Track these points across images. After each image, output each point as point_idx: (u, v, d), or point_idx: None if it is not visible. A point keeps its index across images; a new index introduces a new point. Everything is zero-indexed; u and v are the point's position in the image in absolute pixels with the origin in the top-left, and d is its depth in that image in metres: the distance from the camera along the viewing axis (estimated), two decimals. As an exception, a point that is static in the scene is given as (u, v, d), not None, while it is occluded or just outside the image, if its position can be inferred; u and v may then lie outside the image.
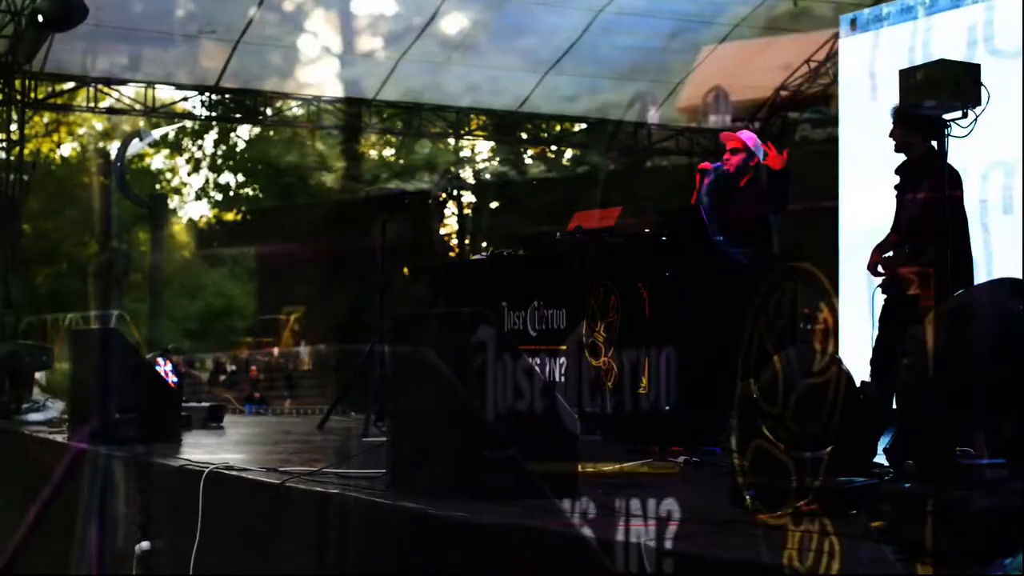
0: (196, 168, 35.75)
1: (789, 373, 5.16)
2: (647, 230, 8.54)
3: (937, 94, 6.97)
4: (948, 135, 7.08)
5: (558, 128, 20.03)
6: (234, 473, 6.98)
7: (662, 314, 8.06)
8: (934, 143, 7.80)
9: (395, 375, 6.31)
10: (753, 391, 5.23)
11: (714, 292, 8.08)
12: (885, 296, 8.08)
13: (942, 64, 7.20)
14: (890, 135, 8.09)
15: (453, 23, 15.66)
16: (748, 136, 8.98)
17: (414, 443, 5.94)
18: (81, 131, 35.93)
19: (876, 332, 8.03)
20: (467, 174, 33.24)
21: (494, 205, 33.09)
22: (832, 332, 6.54)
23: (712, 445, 7.52)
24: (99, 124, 34.57)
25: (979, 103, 7.02)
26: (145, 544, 7.47)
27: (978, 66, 7.13)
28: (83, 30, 13.61)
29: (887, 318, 8.02)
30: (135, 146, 13.74)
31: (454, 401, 5.65)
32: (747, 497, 4.94)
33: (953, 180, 7.83)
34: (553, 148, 31.00)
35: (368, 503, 5.82)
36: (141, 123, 18.40)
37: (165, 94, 16.73)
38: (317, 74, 16.33)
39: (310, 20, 15.67)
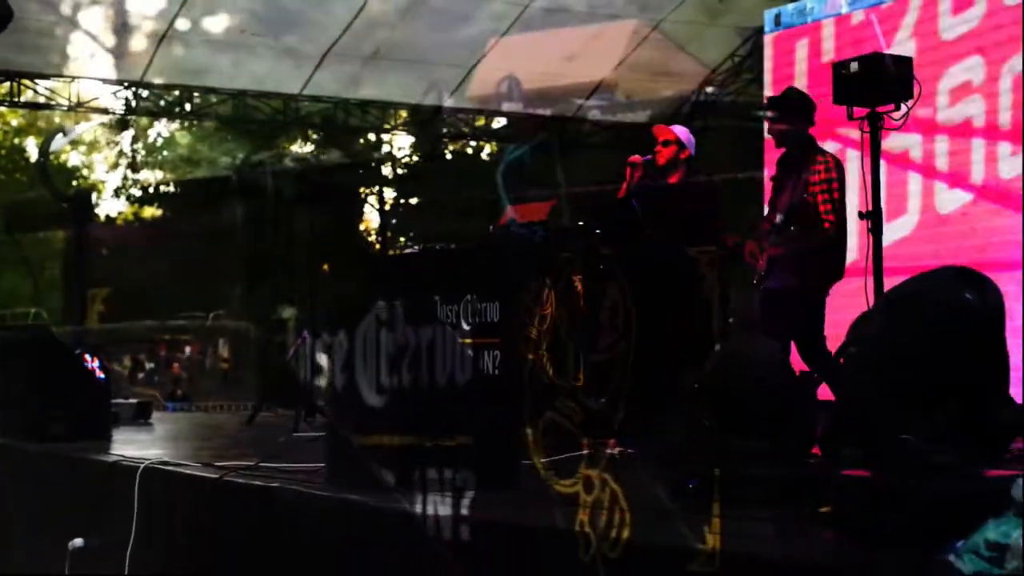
0: (114, 166, 35.41)
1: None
2: (580, 223, 8.57)
3: (870, 87, 7.08)
4: (880, 128, 7.18)
5: (481, 121, 19.97)
6: (170, 468, 6.97)
7: (596, 307, 8.09)
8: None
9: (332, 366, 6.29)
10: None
11: (647, 285, 8.11)
12: (761, 291, 8.18)
13: (875, 58, 7.29)
14: (769, 130, 8.22)
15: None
16: (680, 130, 8.99)
17: (347, 436, 5.94)
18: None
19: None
20: (388, 170, 33.19)
21: (413, 200, 33.10)
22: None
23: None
24: (13, 120, 34.19)
25: (911, 96, 7.13)
26: (78, 541, 7.41)
27: (910, 59, 7.26)
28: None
29: (765, 315, 8.12)
30: (59, 141, 13.62)
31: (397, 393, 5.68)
32: (689, 486, 4.99)
33: (839, 168, 7.97)
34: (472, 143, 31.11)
35: (309, 496, 5.83)
36: (57, 119, 18.17)
37: (88, 89, 16.49)
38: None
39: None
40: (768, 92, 13.52)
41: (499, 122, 20.96)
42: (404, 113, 19.62)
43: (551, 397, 5.09)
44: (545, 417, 4.85)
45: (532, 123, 17.40)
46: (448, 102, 17.73)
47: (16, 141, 34.74)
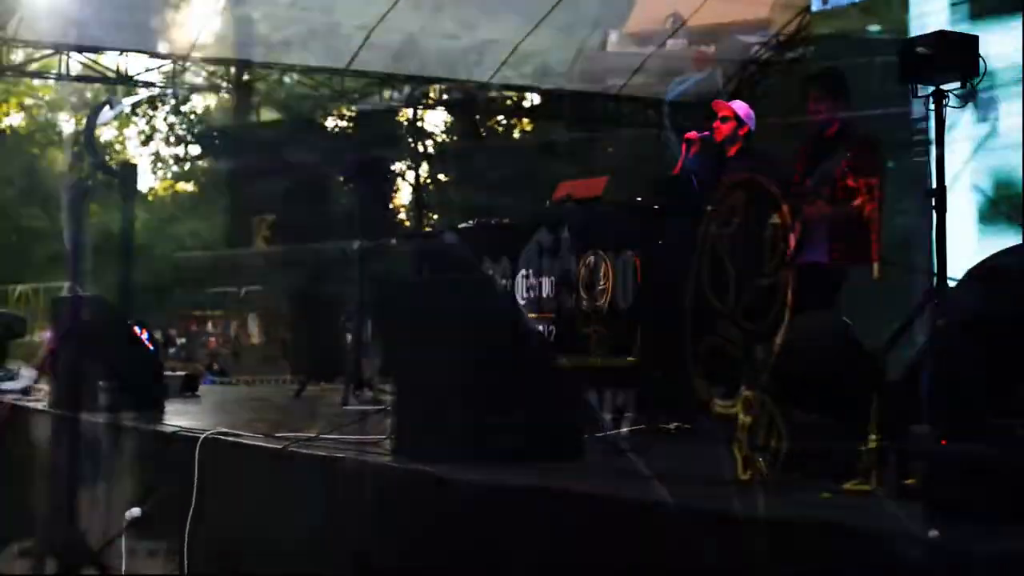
0: (147, 140, 35.50)
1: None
2: (639, 199, 8.58)
3: (937, 65, 7.06)
4: (946, 106, 7.15)
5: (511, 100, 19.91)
6: (231, 439, 6.99)
7: (653, 282, 8.11)
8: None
9: (401, 340, 6.30)
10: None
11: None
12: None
13: (941, 35, 7.27)
14: (814, 109, 8.16)
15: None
16: (740, 105, 8.94)
17: (420, 407, 5.95)
18: (29, 102, 35.65)
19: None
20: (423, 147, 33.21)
21: (442, 178, 33.08)
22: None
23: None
24: (47, 96, 34.35)
25: (977, 74, 7.11)
26: (135, 511, 7.43)
27: (976, 38, 7.21)
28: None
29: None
30: (106, 114, 13.58)
31: (463, 365, 5.70)
32: (759, 460, 5.00)
33: (876, 148, 7.94)
34: (504, 121, 31.11)
35: (378, 467, 5.85)
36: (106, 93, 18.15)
37: (136, 64, 16.53)
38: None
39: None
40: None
41: (533, 100, 20.83)
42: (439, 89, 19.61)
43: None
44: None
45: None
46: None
47: (49, 116, 34.90)
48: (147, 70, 16.53)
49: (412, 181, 33.25)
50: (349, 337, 13.27)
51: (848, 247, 7.71)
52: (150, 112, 34.62)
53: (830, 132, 8.06)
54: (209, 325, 32.77)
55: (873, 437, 4.54)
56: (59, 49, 15.64)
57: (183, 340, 32.00)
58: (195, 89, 18.53)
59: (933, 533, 3.52)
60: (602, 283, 8.39)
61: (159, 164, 35.67)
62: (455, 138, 32.29)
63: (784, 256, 6.78)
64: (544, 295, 8.87)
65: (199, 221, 33.73)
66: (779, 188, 7.21)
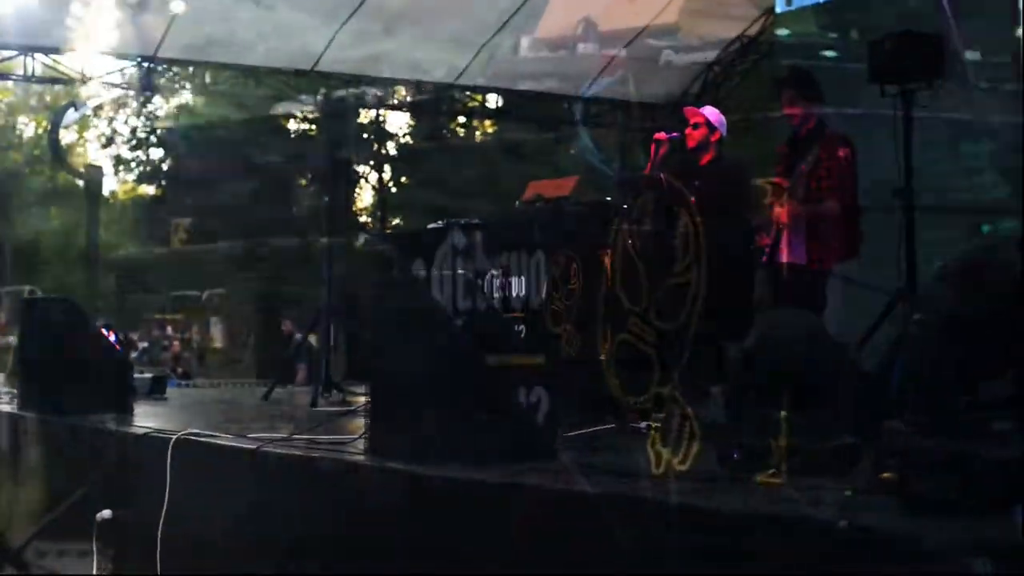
0: (108, 143, 35.33)
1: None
2: (608, 198, 8.62)
3: (905, 64, 7.13)
4: (914, 105, 7.23)
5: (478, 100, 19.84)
6: (204, 440, 6.98)
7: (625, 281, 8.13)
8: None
9: (377, 338, 6.32)
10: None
11: (675, 261, 8.15)
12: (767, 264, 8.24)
13: (908, 35, 7.34)
14: (789, 110, 8.24)
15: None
16: (711, 112, 8.98)
17: (395, 406, 5.96)
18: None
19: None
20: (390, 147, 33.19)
21: (405, 180, 33.05)
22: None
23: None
24: (7, 98, 34.17)
25: (943, 75, 7.19)
26: (106, 513, 7.41)
27: (943, 38, 7.29)
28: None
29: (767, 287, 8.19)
30: (71, 116, 13.60)
31: (441, 363, 5.72)
32: (734, 456, 5.06)
33: (847, 150, 8.02)
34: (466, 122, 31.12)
35: (353, 465, 5.87)
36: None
37: (103, 64, 16.43)
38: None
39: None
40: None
41: (495, 102, 20.81)
42: (403, 91, 19.60)
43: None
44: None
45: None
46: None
47: (8, 120, 34.70)
48: (108, 72, 16.44)
49: (375, 183, 33.24)
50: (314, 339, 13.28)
51: (826, 246, 7.81)
52: (111, 115, 34.49)
53: (805, 131, 8.13)
54: (169, 329, 32.70)
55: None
56: (23, 51, 15.55)
57: (145, 344, 31.89)
58: (159, 90, 18.41)
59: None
60: (572, 283, 8.42)
61: (121, 167, 35.52)
62: (417, 140, 32.30)
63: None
64: (515, 295, 8.91)
65: (160, 225, 33.60)
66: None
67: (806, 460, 4.77)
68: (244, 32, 15.51)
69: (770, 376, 5.23)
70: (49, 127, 13.24)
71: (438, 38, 16.56)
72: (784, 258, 7.99)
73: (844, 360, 5.35)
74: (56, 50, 15.70)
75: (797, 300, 7.81)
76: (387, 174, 33.23)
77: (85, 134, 34.79)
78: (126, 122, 34.72)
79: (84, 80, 15.99)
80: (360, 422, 6.58)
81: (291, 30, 15.79)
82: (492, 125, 29.65)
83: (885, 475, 4.15)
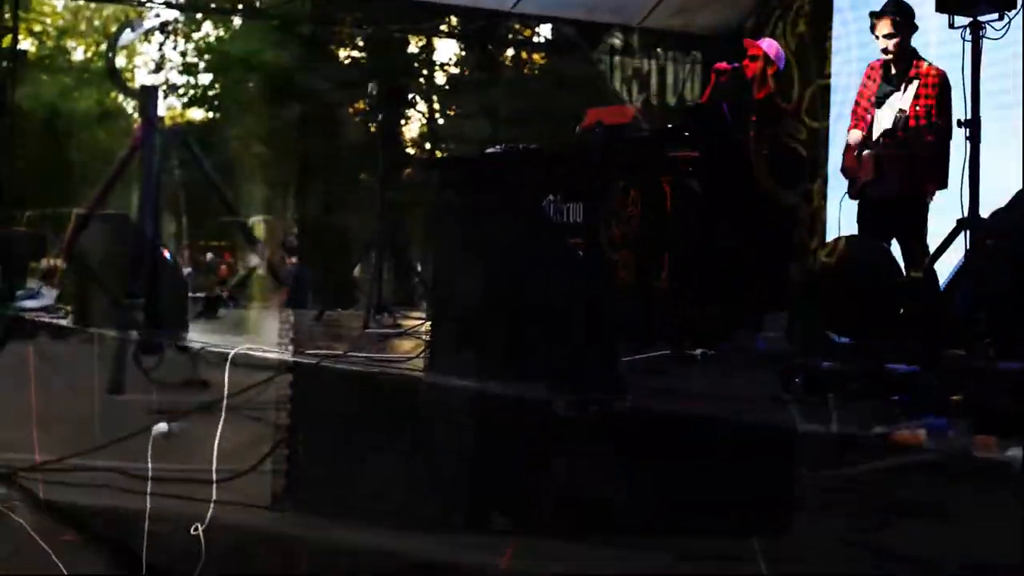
0: (158, 68, 35.31)
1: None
2: (670, 125, 8.61)
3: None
4: (983, 37, 7.17)
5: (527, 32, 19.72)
6: (262, 355, 7.04)
7: (684, 209, 8.15)
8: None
9: (436, 262, 6.33)
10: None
11: (732, 187, 8.18)
12: (868, 197, 8.25)
13: (980, -36, 7.27)
14: (879, 25, 8.25)
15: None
16: (769, 45, 8.98)
17: (453, 330, 5.99)
18: (37, 28, 35.47)
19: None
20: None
21: (454, 110, 32.94)
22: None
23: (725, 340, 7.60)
24: (60, 20, 34.20)
25: (1015, 6, 7.12)
26: (163, 426, 7.46)
27: (1014, -34, 7.22)
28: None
29: (870, 221, 8.20)
30: (127, 36, 13.61)
31: (497, 286, 5.73)
32: (796, 381, 5.08)
33: (944, 81, 8.04)
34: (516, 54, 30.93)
35: (414, 380, 5.92)
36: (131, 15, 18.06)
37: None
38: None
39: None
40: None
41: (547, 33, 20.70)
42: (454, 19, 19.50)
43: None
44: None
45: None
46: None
47: (59, 43, 34.77)
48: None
49: (425, 112, 33.14)
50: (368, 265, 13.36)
51: (918, 179, 7.86)
52: (160, 39, 34.47)
53: (900, 62, 8.16)
54: (210, 256, 32.75)
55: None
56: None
57: (190, 269, 32.00)
58: (214, 12, 18.40)
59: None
60: (631, 209, 8.42)
61: (169, 92, 35.49)
62: (468, 71, 32.14)
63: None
64: (572, 221, 8.91)
65: (209, 151, 33.65)
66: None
67: (868, 384, 4.80)
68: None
69: (833, 301, 5.26)
70: (107, 47, 13.22)
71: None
72: (886, 193, 8.03)
73: (908, 287, 5.35)
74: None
75: (900, 234, 7.88)
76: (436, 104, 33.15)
77: (135, 59, 34.85)
78: (175, 47, 34.71)
79: (143, 1, 16.01)
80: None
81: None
82: (543, 58, 29.48)
83: (955, 397, 4.17)
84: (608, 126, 8.73)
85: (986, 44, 7.26)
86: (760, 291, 7.75)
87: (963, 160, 7.16)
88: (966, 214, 6.94)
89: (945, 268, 6.56)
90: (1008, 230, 4.23)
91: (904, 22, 8.20)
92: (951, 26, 7.27)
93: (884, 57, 8.29)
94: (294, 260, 23.04)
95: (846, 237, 6.83)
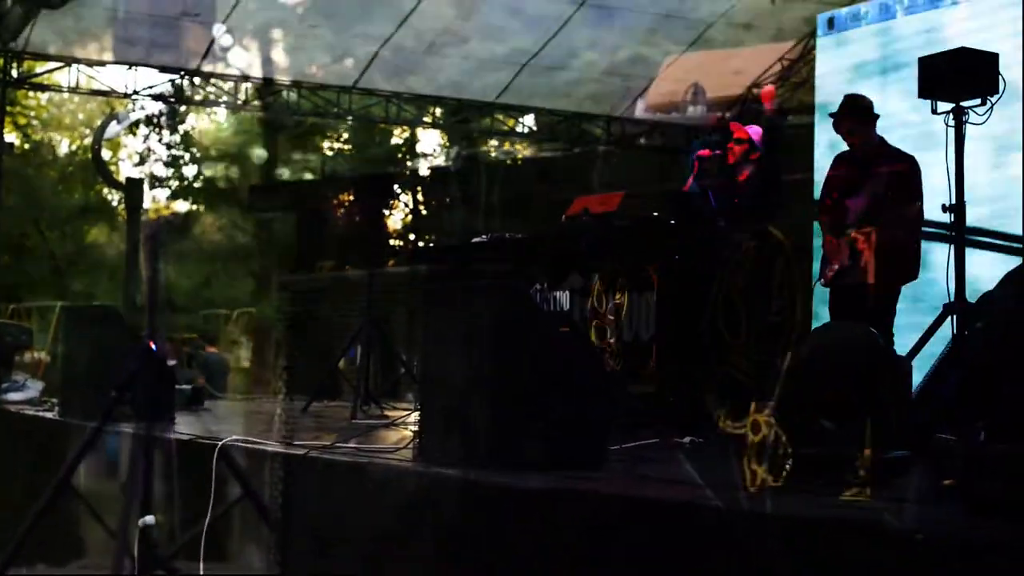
0: (142, 161, 35.32)
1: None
2: (655, 214, 8.64)
3: (957, 81, 7.12)
4: (966, 122, 7.23)
5: (511, 123, 19.78)
6: (250, 446, 7.01)
7: (671, 297, 8.17)
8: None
9: (426, 348, 6.32)
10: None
11: (719, 275, 8.20)
12: (831, 286, 8.30)
13: (962, 52, 7.33)
14: (839, 127, 8.35)
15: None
16: (755, 130, 9.05)
17: (444, 413, 5.97)
18: (23, 122, 35.56)
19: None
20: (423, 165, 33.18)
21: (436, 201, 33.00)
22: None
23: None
24: (44, 113, 34.29)
25: (997, 91, 7.17)
26: (149, 518, 7.40)
27: (997, 55, 7.28)
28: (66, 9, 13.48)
29: (841, 307, 8.24)
30: (113, 128, 13.64)
31: (488, 370, 5.72)
32: (786, 467, 5.07)
33: (914, 167, 8.10)
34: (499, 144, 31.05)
35: (403, 470, 5.89)
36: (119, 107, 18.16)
37: (144, 77, 16.50)
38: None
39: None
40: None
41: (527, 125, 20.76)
42: (439, 110, 19.63)
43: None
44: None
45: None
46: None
47: (43, 135, 34.84)
48: (150, 86, 16.53)
49: (409, 203, 33.22)
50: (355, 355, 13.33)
51: (892, 269, 7.89)
52: (146, 131, 34.50)
53: (865, 153, 8.22)
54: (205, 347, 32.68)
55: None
56: (67, 62, 15.67)
57: (174, 361, 31.89)
58: (201, 104, 18.47)
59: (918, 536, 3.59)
60: (617, 297, 8.44)
61: (155, 184, 35.53)
62: (451, 160, 32.26)
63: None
64: (559, 308, 8.93)
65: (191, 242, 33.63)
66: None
67: (857, 471, 4.80)
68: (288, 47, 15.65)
69: (821, 387, 5.24)
70: (92, 140, 13.33)
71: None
72: (859, 278, 8.05)
73: (897, 372, 5.35)
74: (100, 62, 15.80)
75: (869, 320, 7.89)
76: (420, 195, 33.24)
77: (119, 152, 34.92)
78: (160, 139, 34.77)
79: (130, 94, 16.11)
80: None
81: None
82: (527, 147, 29.61)
83: (947, 481, 4.16)
84: (594, 214, 8.76)
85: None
86: (749, 377, 7.76)
87: (948, 246, 7.20)
88: (951, 299, 6.99)
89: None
90: (998, 311, 4.25)
91: (862, 118, 8.31)
92: (934, 111, 7.33)
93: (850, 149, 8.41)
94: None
95: (832, 323, 6.85)
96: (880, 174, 8.06)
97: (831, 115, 8.43)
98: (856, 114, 8.33)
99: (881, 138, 8.35)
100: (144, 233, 9.25)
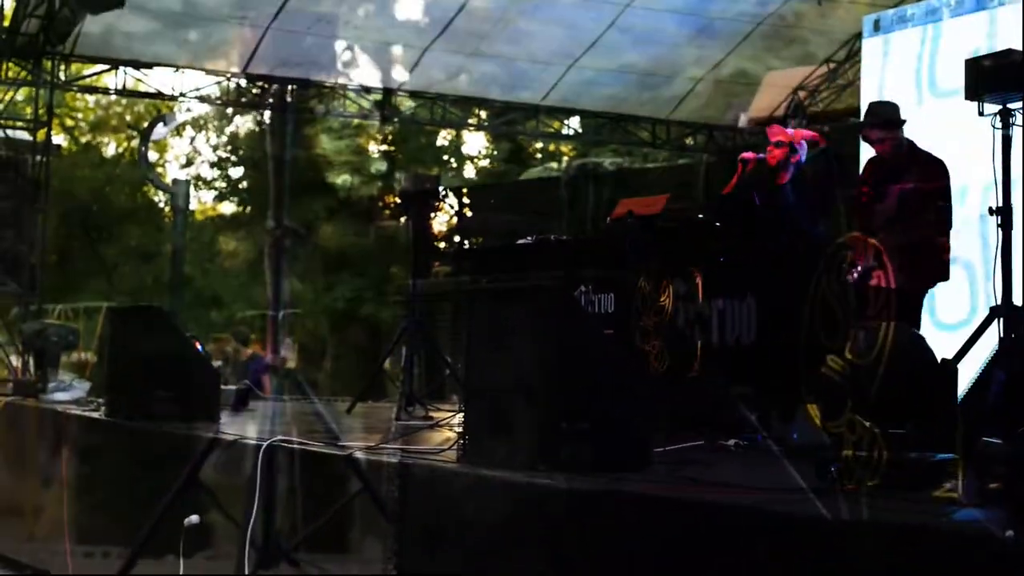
0: (189, 162, 35.49)
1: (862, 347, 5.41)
2: (700, 216, 8.64)
3: (1005, 82, 7.06)
4: (1013, 124, 7.17)
5: (556, 125, 19.77)
6: (295, 446, 7.03)
7: (715, 299, 8.16)
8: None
9: (471, 349, 6.33)
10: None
11: (764, 277, 8.17)
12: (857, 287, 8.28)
13: (1010, 53, 7.27)
14: (867, 136, 8.37)
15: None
16: (795, 132, 9.03)
17: (489, 415, 5.98)
18: (70, 124, 35.78)
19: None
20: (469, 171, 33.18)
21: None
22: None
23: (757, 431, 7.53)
24: (90, 117, 34.51)
25: (1046, 91, 7.11)
26: (194, 518, 7.45)
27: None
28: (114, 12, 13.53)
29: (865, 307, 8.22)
30: (160, 131, 13.73)
31: (532, 373, 5.72)
32: (832, 470, 5.06)
33: (942, 170, 8.09)
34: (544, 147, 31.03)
35: (449, 472, 5.90)
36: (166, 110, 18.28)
37: (191, 80, 16.60)
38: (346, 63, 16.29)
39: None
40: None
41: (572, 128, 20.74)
42: (484, 112, 19.65)
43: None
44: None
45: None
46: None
47: (91, 137, 35.06)
48: (197, 88, 16.63)
49: (454, 205, 33.21)
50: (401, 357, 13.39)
51: (920, 270, 7.87)
52: (192, 133, 34.66)
53: (895, 157, 8.22)
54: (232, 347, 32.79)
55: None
56: (115, 65, 15.78)
57: (219, 363, 32.04)
58: (245, 107, 18.60)
59: (1009, 534, 3.56)
60: (662, 299, 8.44)
61: (200, 186, 35.65)
62: (497, 163, 32.26)
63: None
64: (603, 311, 8.93)
65: (239, 242, 33.73)
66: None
67: (904, 473, 4.79)
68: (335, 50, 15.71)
69: (869, 389, 5.23)
70: (139, 141, 13.46)
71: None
72: (881, 282, 8.00)
73: (944, 375, 5.33)
74: (148, 65, 15.89)
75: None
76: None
77: (165, 154, 35.09)
78: (206, 141, 34.90)
79: (178, 96, 16.21)
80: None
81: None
82: (572, 150, 29.58)
83: (993, 485, 4.14)
84: (639, 216, 8.76)
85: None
86: (794, 380, 7.72)
87: (996, 247, 7.14)
88: (999, 301, 6.94)
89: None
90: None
91: (888, 123, 8.33)
92: (980, 114, 7.27)
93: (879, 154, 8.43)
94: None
95: (884, 324, 6.80)
96: (909, 177, 8.06)
97: (856, 125, 8.46)
98: (882, 122, 8.37)
99: (910, 142, 8.36)
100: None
